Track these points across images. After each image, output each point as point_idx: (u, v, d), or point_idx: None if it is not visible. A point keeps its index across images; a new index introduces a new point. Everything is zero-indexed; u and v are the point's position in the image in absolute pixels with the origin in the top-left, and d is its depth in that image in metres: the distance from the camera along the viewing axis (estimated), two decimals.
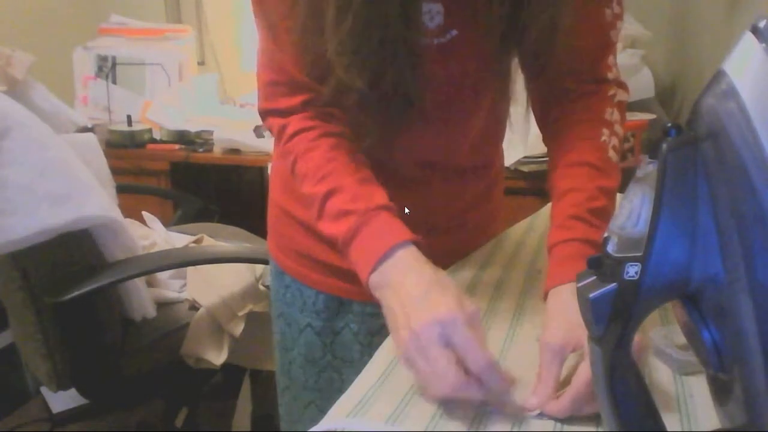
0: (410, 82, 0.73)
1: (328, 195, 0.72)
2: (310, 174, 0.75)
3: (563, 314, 0.62)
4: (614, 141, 0.76)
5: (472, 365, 0.58)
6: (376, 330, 0.93)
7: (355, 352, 0.94)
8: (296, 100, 0.78)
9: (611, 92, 0.80)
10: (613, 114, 0.78)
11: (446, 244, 0.89)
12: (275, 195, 0.97)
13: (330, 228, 0.72)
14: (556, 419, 0.58)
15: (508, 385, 0.60)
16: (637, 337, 0.58)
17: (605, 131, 0.76)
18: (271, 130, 0.82)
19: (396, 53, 0.70)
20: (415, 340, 0.59)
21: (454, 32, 0.75)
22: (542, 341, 0.62)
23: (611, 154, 0.75)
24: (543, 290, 0.69)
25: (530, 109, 0.86)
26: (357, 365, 0.69)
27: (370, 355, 0.71)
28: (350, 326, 0.94)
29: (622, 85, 0.81)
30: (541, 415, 0.59)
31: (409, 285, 0.63)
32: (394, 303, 0.64)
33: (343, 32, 0.68)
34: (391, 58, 0.70)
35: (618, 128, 0.78)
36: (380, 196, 0.72)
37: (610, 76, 0.80)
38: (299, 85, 0.77)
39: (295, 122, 0.78)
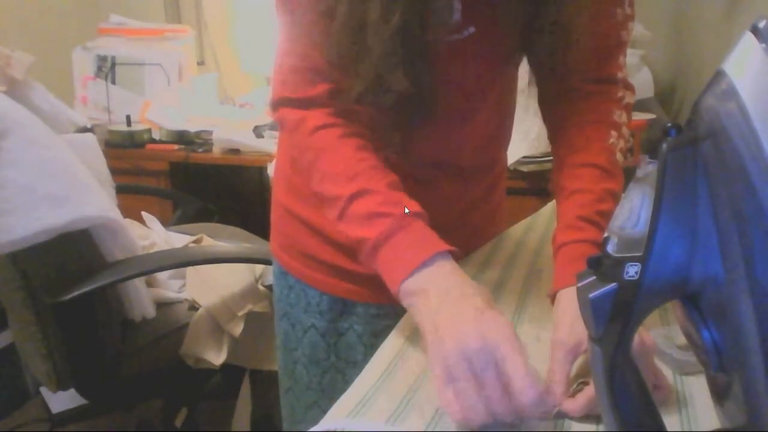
0: (424, 81, 0.72)
1: (356, 195, 0.70)
2: (337, 173, 0.72)
3: (577, 313, 0.62)
4: (621, 143, 0.76)
5: (517, 394, 0.54)
6: (379, 331, 0.92)
7: (358, 353, 0.94)
8: (319, 89, 0.75)
9: (620, 94, 0.80)
10: (621, 116, 0.78)
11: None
12: (279, 195, 0.96)
13: (355, 229, 0.69)
14: (566, 418, 0.59)
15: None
16: (645, 336, 0.58)
17: (613, 133, 0.76)
18: (281, 122, 0.79)
19: (412, 51, 0.69)
20: (465, 360, 0.56)
21: (472, 29, 0.75)
22: (555, 340, 0.61)
23: (618, 156, 0.76)
24: (551, 290, 0.69)
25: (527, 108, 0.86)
26: (360, 366, 0.69)
27: None
28: (354, 327, 0.93)
29: (629, 87, 0.81)
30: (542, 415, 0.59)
31: (455, 296, 0.61)
32: (425, 311, 0.61)
33: (390, 31, 0.66)
34: (407, 56, 0.69)
35: (625, 130, 0.78)
36: (412, 203, 0.70)
37: (619, 75, 0.80)
38: (322, 73, 0.75)
39: (316, 116, 0.75)
